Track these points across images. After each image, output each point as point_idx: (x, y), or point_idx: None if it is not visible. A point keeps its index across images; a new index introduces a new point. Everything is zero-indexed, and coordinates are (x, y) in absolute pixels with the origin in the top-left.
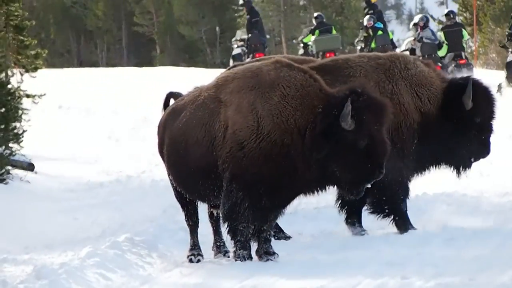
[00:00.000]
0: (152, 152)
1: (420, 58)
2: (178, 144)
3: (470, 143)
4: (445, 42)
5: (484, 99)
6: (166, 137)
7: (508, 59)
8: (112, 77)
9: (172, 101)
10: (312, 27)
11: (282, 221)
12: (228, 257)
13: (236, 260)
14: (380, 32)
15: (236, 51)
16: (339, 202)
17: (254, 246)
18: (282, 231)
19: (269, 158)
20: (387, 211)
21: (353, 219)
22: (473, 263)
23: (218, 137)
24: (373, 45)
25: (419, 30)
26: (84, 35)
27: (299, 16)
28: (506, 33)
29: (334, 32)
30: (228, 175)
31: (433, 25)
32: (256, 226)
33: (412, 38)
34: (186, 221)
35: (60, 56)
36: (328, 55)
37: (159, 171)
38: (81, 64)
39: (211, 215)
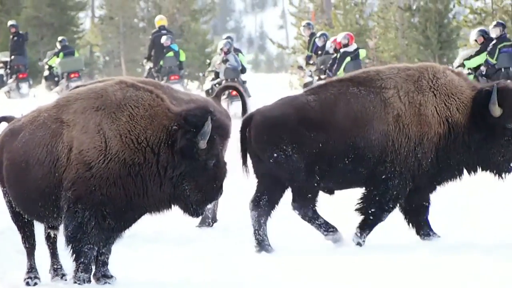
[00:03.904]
0: None
1: (223, 82)
2: (17, 165)
3: (506, 150)
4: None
5: None
6: (4, 158)
7: (306, 81)
8: None
9: (3, 125)
10: (56, 50)
11: (120, 245)
12: (66, 280)
13: (75, 283)
14: (170, 54)
15: None
16: (407, 218)
17: None
18: None
19: (118, 178)
20: (369, 208)
21: (426, 230)
22: None
23: (61, 158)
24: (161, 63)
25: (223, 54)
26: None
27: (139, 38)
28: (305, 56)
29: (77, 54)
30: (73, 196)
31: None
32: (100, 247)
33: (218, 62)
34: (23, 243)
35: None
36: (72, 75)
37: None
38: None
39: (48, 237)
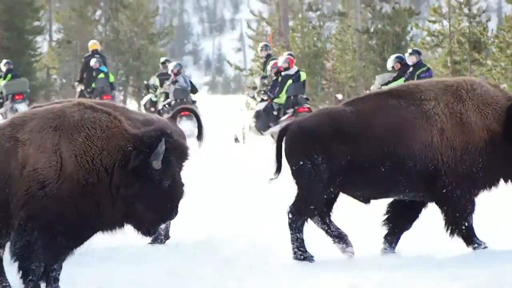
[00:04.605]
0: None
1: (173, 102)
2: None
3: None
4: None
5: None
6: None
7: (258, 108)
8: None
9: None
10: (3, 73)
11: (72, 263)
12: None
13: None
14: (101, 75)
15: None
16: (387, 216)
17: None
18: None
19: (71, 197)
20: (456, 228)
21: (392, 239)
22: None
23: (14, 175)
24: (93, 85)
25: (173, 76)
26: None
27: None
28: (261, 77)
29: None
30: (24, 214)
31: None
32: (49, 265)
33: (168, 83)
34: None
35: None
36: (17, 97)
37: None
38: None
39: None
